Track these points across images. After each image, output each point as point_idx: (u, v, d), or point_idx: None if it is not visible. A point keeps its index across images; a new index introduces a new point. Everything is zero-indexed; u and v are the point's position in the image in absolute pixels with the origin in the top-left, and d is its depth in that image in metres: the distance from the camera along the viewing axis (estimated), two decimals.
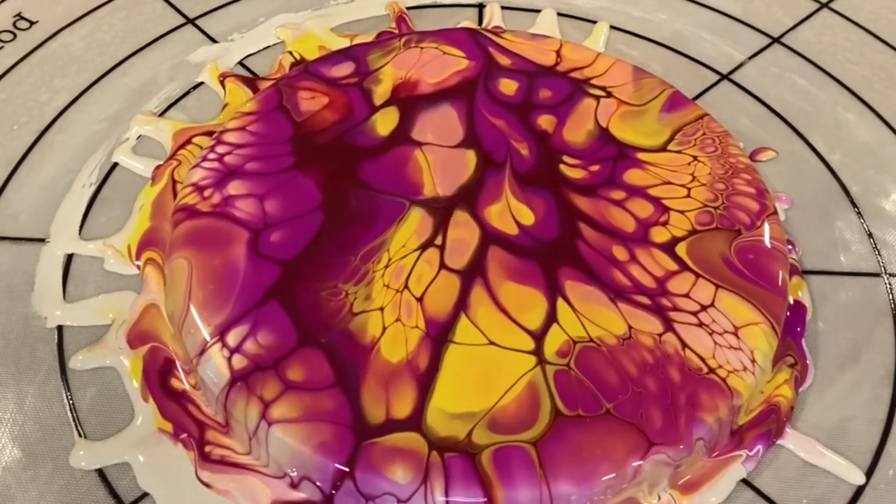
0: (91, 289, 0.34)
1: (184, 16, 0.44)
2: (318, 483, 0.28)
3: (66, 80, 0.41)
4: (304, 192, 0.34)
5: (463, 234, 0.33)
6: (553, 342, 0.30)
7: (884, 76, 0.42)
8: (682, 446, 0.28)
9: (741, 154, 0.36)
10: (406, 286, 0.31)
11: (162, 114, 0.40)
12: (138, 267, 0.34)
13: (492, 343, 0.30)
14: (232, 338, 0.30)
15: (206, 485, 0.29)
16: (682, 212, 0.34)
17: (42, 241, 0.35)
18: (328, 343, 0.30)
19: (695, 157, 0.35)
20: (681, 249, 0.32)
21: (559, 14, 0.45)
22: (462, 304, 0.31)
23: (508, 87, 0.38)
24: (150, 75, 0.41)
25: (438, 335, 0.30)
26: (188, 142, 0.38)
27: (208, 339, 0.30)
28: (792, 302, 0.33)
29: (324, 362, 0.29)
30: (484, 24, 0.44)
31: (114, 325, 0.32)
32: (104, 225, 0.36)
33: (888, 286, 0.35)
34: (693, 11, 0.45)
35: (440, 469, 0.27)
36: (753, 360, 0.30)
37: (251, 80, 0.41)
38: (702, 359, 0.30)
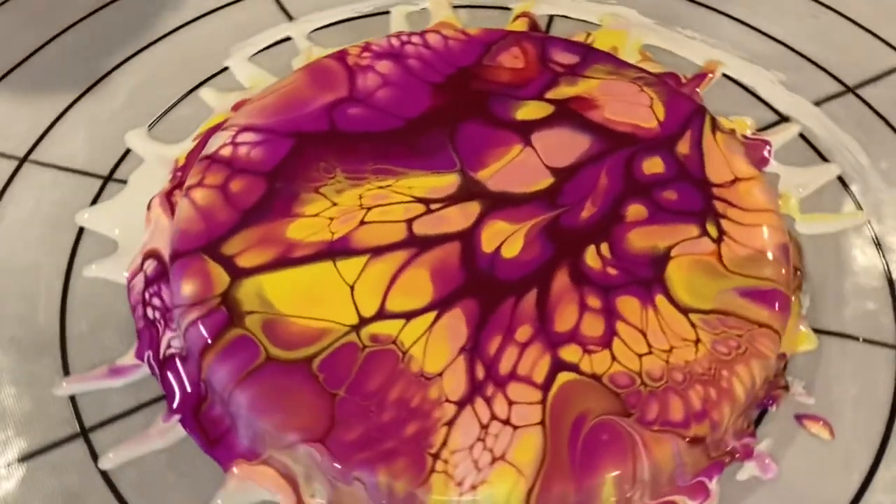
0: None
1: None
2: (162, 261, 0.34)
3: None
4: (412, 104, 0.37)
5: (455, 218, 0.34)
6: (382, 327, 0.31)
7: None
8: (334, 464, 0.28)
9: (752, 376, 0.31)
10: (369, 209, 0.34)
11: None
12: None
13: (351, 287, 0.32)
14: (242, 136, 0.36)
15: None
16: (614, 359, 0.31)
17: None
18: (277, 189, 0.34)
19: (698, 340, 0.31)
20: (560, 378, 0.30)
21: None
22: (377, 252, 0.33)
23: (653, 166, 0.36)
24: None
25: (334, 251, 0.33)
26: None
27: (233, 125, 0.36)
28: None
29: (256, 195, 0.34)
30: (748, 123, 0.41)
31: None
32: None
33: None
34: None
35: (210, 311, 0.31)
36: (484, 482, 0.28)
37: (535, 27, 0.44)
38: (444, 444, 0.29)
